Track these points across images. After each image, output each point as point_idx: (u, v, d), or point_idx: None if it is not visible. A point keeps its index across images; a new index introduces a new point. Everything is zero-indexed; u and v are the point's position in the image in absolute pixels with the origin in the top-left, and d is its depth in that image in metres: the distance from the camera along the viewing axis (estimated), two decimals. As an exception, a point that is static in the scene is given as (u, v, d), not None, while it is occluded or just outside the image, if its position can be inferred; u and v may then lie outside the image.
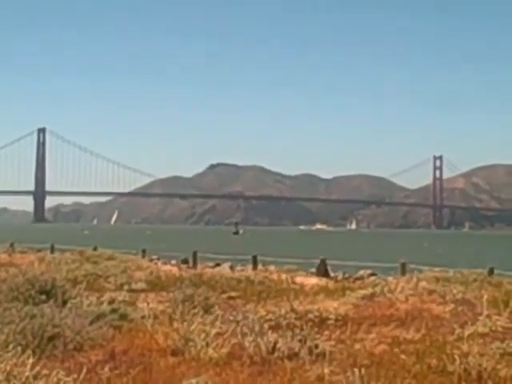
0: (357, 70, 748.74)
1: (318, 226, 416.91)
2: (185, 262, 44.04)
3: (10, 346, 11.62)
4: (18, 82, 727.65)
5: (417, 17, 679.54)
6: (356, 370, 10.81)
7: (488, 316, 15.85)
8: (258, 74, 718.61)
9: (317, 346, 13.03)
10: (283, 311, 16.69)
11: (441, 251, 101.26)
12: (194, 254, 43.31)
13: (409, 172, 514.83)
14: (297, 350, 12.86)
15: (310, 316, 16.47)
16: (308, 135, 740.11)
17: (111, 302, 18.14)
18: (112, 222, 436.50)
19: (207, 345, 13.05)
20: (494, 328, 15.21)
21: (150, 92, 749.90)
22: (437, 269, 31.60)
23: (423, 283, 22.23)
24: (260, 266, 40.51)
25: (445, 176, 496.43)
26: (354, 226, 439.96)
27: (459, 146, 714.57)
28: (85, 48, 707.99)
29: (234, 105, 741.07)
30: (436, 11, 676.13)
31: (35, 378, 10.51)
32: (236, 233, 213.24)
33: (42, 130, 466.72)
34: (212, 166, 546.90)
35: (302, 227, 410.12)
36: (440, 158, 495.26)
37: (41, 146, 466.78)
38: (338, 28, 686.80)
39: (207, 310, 16.69)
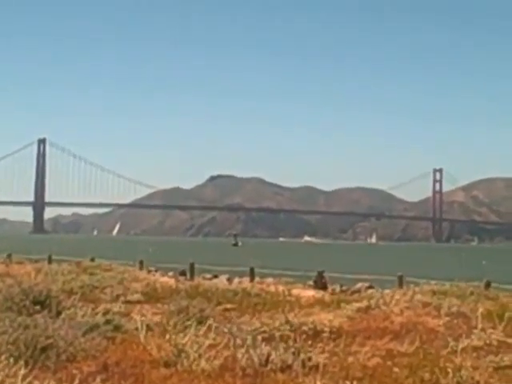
0: (356, 82, 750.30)
1: (307, 239, 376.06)
2: (183, 273, 43.98)
3: (3, 357, 11.59)
4: (20, 93, 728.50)
5: (418, 29, 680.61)
6: (348, 383, 10.81)
7: (482, 329, 15.84)
8: (258, 85, 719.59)
9: (310, 359, 13.01)
10: (278, 323, 16.67)
11: None
12: (191, 266, 43.24)
13: (408, 185, 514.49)
14: (290, 362, 12.84)
15: (305, 328, 16.44)
16: (307, 147, 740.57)
17: (106, 313, 18.08)
18: (114, 233, 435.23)
19: (200, 356, 13.02)
20: (488, 341, 15.20)
21: (151, 103, 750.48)
22: (433, 282, 31.55)
23: (419, 296, 22.20)
24: (257, 279, 40.50)
25: (444, 189, 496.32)
26: (374, 240, 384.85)
27: (459, 159, 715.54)
28: (84, 56, 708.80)
29: (234, 116, 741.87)
30: (438, 21, 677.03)
31: (26, 388, 10.50)
32: (235, 244, 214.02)
33: (42, 141, 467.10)
34: (212, 178, 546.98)
35: (281, 239, 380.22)
36: (440, 170, 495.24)
37: (41, 157, 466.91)
38: (338, 40, 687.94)
39: (202, 321, 16.64)
